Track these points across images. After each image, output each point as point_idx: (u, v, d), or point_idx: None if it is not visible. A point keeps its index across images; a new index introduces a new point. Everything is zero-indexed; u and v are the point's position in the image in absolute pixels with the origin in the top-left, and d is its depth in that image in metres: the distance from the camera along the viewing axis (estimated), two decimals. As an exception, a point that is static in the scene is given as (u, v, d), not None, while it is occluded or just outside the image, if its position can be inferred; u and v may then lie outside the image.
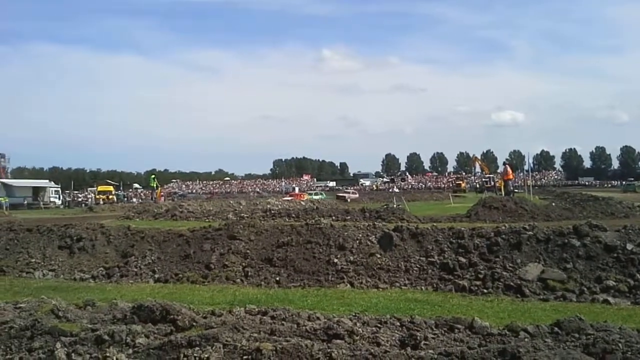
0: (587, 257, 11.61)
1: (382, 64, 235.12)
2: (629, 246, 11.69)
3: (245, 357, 5.14)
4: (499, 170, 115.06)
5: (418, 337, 6.07)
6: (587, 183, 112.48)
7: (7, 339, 6.13)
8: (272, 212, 28.01)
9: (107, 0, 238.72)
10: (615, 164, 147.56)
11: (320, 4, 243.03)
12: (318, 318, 7.37)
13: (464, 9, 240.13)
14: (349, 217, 23.51)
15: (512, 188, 37.00)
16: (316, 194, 68.29)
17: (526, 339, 6.01)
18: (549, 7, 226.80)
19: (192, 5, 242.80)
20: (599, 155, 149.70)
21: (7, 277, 14.57)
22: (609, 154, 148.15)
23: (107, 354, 5.40)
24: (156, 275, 13.78)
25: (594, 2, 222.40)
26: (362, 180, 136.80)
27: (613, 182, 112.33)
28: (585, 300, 10.11)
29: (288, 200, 48.72)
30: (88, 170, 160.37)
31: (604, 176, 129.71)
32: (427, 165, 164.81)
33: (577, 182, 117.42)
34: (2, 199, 57.81)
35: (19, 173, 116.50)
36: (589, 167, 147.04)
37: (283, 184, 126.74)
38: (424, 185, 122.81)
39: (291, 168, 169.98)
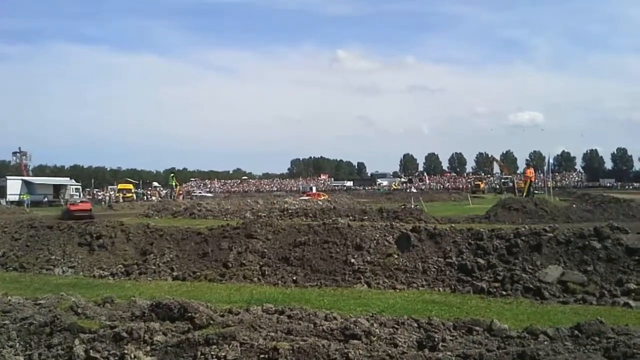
0: (608, 259, 11.43)
1: (400, 64, 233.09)
2: (652, 249, 11.48)
3: (262, 356, 5.15)
4: (518, 172, 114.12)
5: (436, 339, 6.03)
6: (608, 185, 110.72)
7: (27, 335, 6.21)
8: (290, 211, 28.05)
9: (126, 0, 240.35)
10: (638, 166, 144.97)
11: (339, 4, 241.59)
12: (335, 318, 7.37)
13: (484, 8, 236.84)
14: (366, 217, 23.43)
15: (532, 189, 36.72)
16: None
17: (546, 342, 5.95)
18: (571, 7, 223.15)
19: (210, 5, 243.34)
20: (621, 156, 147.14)
21: (27, 273, 14.81)
22: (631, 156, 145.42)
23: (125, 351, 5.44)
24: (174, 273, 13.88)
25: (617, 2, 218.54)
26: (379, 181, 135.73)
27: (635, 183, 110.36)
28: (606, 304, 9.97)
29: (305, 199, 48.84)
30: (108, 169, 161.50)
31: (625, 178, 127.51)
32: (445, 165, 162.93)
33: (598, 183, 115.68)
34: (23, 196, 58.70)
35: (40, 171, 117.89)
36: (610, 168, 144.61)
37: (300, 183, 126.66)
38: (442, 186, 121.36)
39: (309, 168, 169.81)
